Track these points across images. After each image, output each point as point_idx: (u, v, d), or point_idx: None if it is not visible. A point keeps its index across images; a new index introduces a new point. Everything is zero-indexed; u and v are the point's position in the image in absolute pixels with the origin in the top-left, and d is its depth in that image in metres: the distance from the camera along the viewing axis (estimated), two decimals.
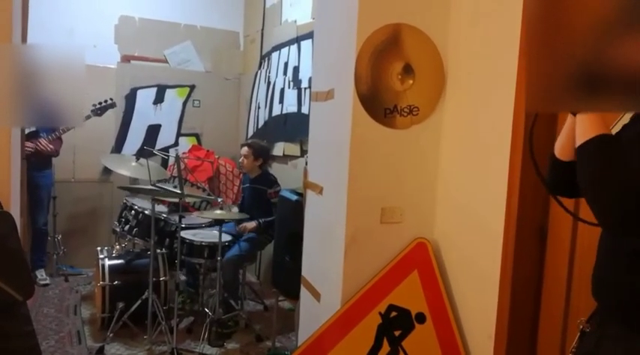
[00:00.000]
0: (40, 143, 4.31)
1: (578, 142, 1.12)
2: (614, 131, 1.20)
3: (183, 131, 5.55)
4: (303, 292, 2.89)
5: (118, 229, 3.97)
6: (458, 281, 2.39)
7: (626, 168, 1.06)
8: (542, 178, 1.28)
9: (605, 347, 1.19)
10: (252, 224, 3.89)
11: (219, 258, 3.51)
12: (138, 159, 3.90)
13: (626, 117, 1.24)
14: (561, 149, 1.26)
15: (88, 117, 4.41)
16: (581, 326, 1.28)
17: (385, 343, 2.35)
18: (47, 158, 4.47)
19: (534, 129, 1.22)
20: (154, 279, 3.50)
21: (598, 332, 1.23)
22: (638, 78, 0.88)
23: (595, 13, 0.90)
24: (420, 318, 2.38)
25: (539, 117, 1.21)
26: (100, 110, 4.49)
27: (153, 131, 5.43)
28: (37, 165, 4.29)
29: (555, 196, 1.30)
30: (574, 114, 1.17)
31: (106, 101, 4.52)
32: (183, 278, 4.07)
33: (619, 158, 1.08)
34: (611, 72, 0.88)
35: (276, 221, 3.74)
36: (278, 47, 4.78)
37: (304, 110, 4.18)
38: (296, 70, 4.40)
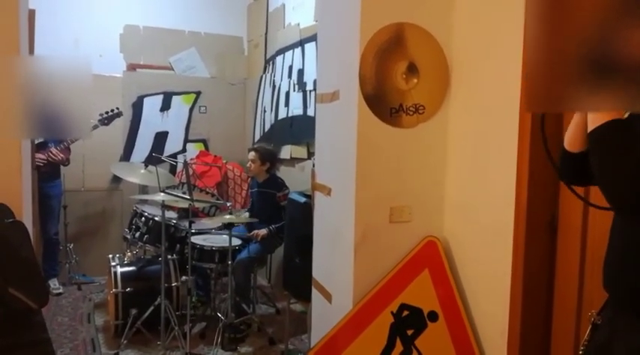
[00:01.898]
0: (52, 153, 4.36)
1: (590, 128, 1.13)
2: None
3: (190, 137, 5.58)
4: (315, 294, 2.89)
5: (128, 236, 3.99)
6: (469, 278, 2.39)
7: (637, 151, 1.06)
8: (555, 167, 1.28)
9: (618, 338, 1.19)
10: (263, 231, 3.90)
11: (230, 262, 3.52)
12: (146, 166, 3.92)
13: None
14: (570, 141, 1.26)
15: (95, 126, 4.44)
16: (593, 319, 1.27)
17: (398, 342, 2.35)
18: (56, 168, 4.51)
19: (545, 120, 1.22)
20: (166, 285, 3.52)
21: (610, 324, 1.22)
22: None
23: (598, 2, 0.90)
24: (433, 317, 2.38)
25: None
26: (106, 120, 4.52)
27: (160, 138, 5.46)
28: (46, 175, 4.33)
29: (569, 186, 1.30)
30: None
31: (112, 110, 4.55)
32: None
33: (630, 142, 1.08)
34: (616, 65, 0.87)
35: (285, 224, 3.75)
36: (282, 51, 4.79)
37: (310, 112, 4.19)
38: (300, 72, 4.41)
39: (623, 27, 0.87)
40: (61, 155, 4.43)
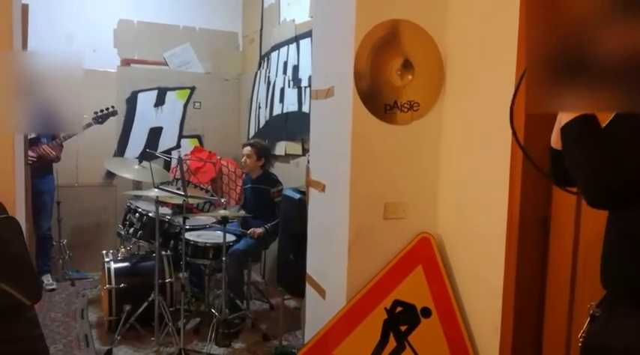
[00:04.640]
0: (44, 149, 4.33)
1: (562, 123, 1.16)
2: None
3: (184, 133, 5.57)
4: (309, 290, 2.90)
5: (122, 232, 3.98)
6: (462, 275, 2.40)
7: (606, 145, 1.09)
8: (531, 160, 1.30)
9: (615, 325, 1.20)
10: (260, 230, 3.90)
11: (223, 258, 3.52)
12: (140, 162, 3.91)
13: None
14: (556, 138, 1.28)
15: (89, 124, 4.42)
16: (591, 311, 1.29)
17: (392, 338, 2.36)
18: (49, 164, 4.49)
19: (514, 106, 1.25)
20: (160, 281, 3.51)
21: (606, 314, 1.24)
22: (636, 73, 0.88)
23: (592, 3, 0.91)
24: (426, 313, 2.39)
25: (518, 94, 1.23)
26: (101, 118, 4.49)
27: (155, 134, 5.44)
28: (38, 171, 4.30)
29: (552, 180, 1.33)
30: None
31: (107, 109, 4.53)
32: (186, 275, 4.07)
33: (598, 136, 1.11)
34: (597, 67, 0.89)
35: (279, 220, 3.75)
36: (277, 47, 4.79)
37: (305, 109, 4.18)
38: (295, 69, 4.40)
39: (602, 30, 0.89)
40: (53, 152, 4.40)
